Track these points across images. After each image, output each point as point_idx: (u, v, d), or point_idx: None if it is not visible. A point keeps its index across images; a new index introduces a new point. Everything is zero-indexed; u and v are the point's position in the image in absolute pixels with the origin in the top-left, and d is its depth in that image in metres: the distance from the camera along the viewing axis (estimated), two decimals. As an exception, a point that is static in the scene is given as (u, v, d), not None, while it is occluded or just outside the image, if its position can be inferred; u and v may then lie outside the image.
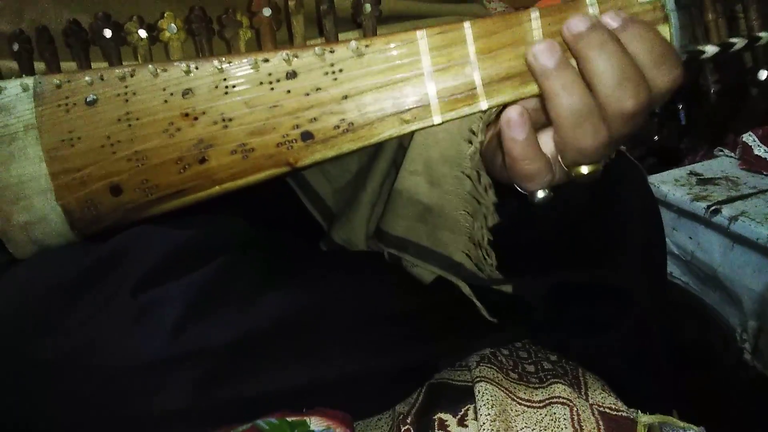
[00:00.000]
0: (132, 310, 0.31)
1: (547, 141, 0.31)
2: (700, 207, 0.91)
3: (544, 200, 0.31)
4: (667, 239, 0.97)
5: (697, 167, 1.02)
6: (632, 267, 0.45)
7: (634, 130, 0.30)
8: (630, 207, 0.46)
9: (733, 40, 0.30)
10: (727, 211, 0.88)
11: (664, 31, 0.30)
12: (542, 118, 0.31)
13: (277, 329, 0.33)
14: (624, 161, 0.46)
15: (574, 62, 0.30)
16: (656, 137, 1.06)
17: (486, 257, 0.36)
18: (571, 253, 0.44)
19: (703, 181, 0.97)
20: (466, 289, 0.37)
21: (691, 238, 0.96)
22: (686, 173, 1.00)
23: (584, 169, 0.31)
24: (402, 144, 0.38)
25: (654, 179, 0.98)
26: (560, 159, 0.31)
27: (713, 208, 0.89)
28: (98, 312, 0.31)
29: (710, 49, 0.30)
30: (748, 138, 0.99)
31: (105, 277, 0.32)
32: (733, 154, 1.03)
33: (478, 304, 0.37)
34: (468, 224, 0.35)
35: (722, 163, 1.03)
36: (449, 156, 0.35)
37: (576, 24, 0.29)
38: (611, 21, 0.29)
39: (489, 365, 0.43)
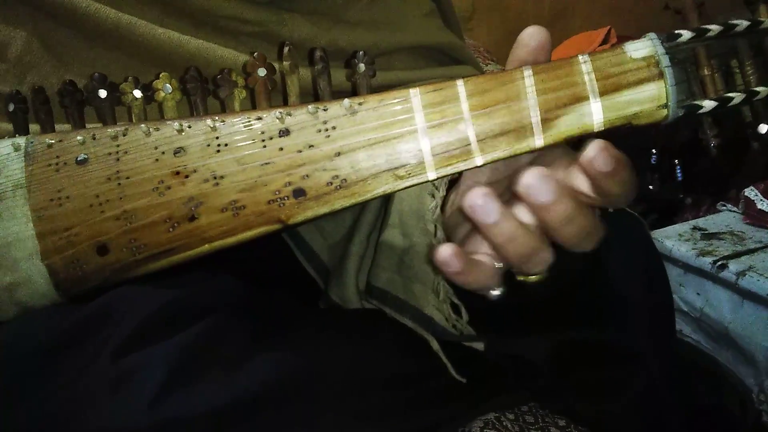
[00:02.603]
0: (112, 376, 0.30)
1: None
2: (706, 262, 0.89)
3: (499, 297, 0.32)
4: (674, 296, 0.95)
5: (701, 222, 1.02)
6: (638, 326, 0.44)
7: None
8: (632, 263, 0.45)
9: (731, 94, 0.30)
10: (734, 266, 0.87)
11: (660, 86, 0.30)
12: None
13: (265, 396, 0.31)
14: (625, 216, 0.46)
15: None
16: (651, 186, 1.07)
17: (451, 312, 0.35)
18: (572, 313, 0.43)
19: (708, 236, 0.96)
20: (434, 345, 0.36)
21: (699, 294, 0.94)
22: (690, 228, 0.99)
23: (532, 278, 0.32)
24: (388, 196, 0.38)
25: (657, 234, 0.97)
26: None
27: (720, 263, 0.88)
28: (77, 378, 0.30)
29: (708, 104, 0.30)
30: (750, 192, 0.98)
31: (85, 340, 0.31)
32: (736, 209, 1.03)
33: (445, 360, 0.36)
34: (432, 277, 0.35)
35: (726, 218, 1.02)
36: (416, 209, 0.35)
37: (538, 193, 0.28)
38: (600, 163, 0.27)
39: (493, 431, 0.41)
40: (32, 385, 0.30)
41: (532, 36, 0.31)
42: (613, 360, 0.43)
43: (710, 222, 1.01)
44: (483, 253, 0.31)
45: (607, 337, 0.43)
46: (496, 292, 0.32)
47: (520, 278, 0.32)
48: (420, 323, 0.37)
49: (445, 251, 0.29)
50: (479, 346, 0.37)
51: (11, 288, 0.34)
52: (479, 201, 0.28)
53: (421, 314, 0.36)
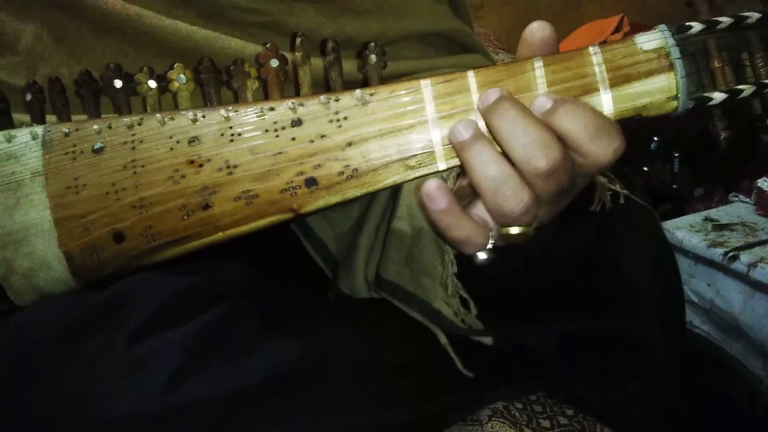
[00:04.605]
0: (127, 362, 0.30)
1: (480, 206, 0.32)
2: (717, 253, 0.89)
3: (485, 262, 0.32)
4: (685, 287, 0.94)
5: (713, 213, 1.01)
6: (648, 316, 0.44)
7: (560, 188, 0.31)
8: (642, 252, 0.45)
9: (741, 87, 0.30)
10: (745, 257, 0.86)
11: (670, 78, 0.30)
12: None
13: (277, 381, 0.32)
14: (634, 205, 0.45)
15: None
16: (645, 168, 1.05)
17: (460, 306, 0.36)
18: (581, 302, 0.43)
19: (719, 227, 0.96)
20: (442, 339, 0.36)
21: (709, 285, 0.94)
22: (701, 219, 0.99)
23: (514, 230, 0.32)
24: (396, 189, 0.38)
25: (668, 225, 0.97)
26: (492, 222, 0.32)
27: (731, 254, 0.87)
28: (92, 363, 0.31)
29: (718, 96, 0.30)
30: (763, 183, 0.97)
31: (100, 326, 0.32)
32: (748, 200, 1.02)
33: (452, 354, 0.37)
34: (441, 270, 0.35)
35: (738, 209, 1.01)
36: (424, 214, 0.35)
37: (485, 97, 0.31)
38: (544, 103, 0.30)
39: (501, 420, 0.41)
40: (49, 369, 0.31)
41: (534, 33, 0.31)
42: (622, 349, 0.44)
43: (722, 213, 1.00)
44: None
45: (616, 327, 0.43)
46: (483, 256, 0.32)
47: (504, 231, 0.32)
48: (428, 316, 0.37)
49: (431, 183, 0.30)
50: (487, 340, 0.38)
51: (29, 274, 0.34)
52: (461, 123, 0.31)
53: (430, 308, 0.37)
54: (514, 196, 0.30)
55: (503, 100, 0.30)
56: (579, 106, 0.30)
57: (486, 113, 0.31)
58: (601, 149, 0.30)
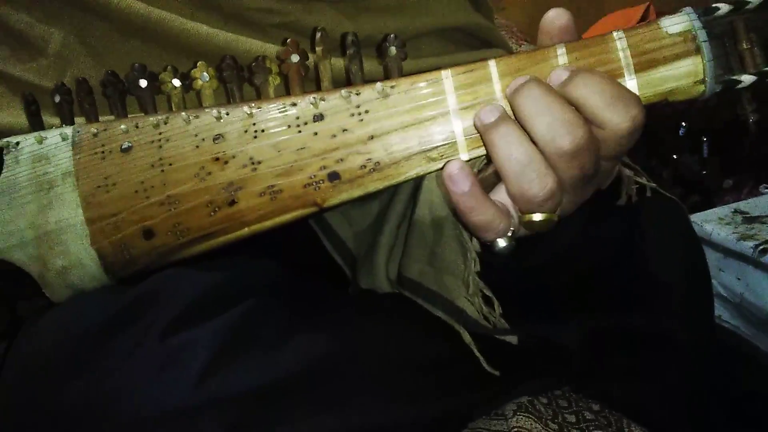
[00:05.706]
0: (160, 355, 0.31)
1: (503, 192, 0.32)
2: (747, 246, 0.87)
3: (506, 250, 0.32)
4: (713, 281, 0.93)
5: (742, 205, 0.99)
6: (676, 311, 0.43)
7: (584, 171, 0.30)
8: (670, 246, 0.44)
9: (771, 68, 0.29)
10: (776, 250, 0.84)
11: (696, 62, 0.29)
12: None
13: (305, 375, 0.32)
14: (661, 198, 0.45)
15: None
16: (675, 156, 1.03)
17: (483, 304, 0.35)
18: (608, 297, 0.42)
19: (749, 220, 0.94)
20: (466, 337, 0.36)
21: (739, 279, 0.92)
22: (731, 212, 0.97)
23: (537, 217, 0.31)
24: (416, 187, 0.38)
25: (697, 218, 0.95)
26: (514, 209, 0.32)
27: (762, 247, 0.86)
28: (127, 357, 0.31)
29: (747, 79, 0.29)
30: (795, 174, 0.95)
31: (134, 321, 0.32)
32: (779, 191, 1.00)
33: (476, 353, 0.36)
34: (463, 269, 0.35)
35: (768, 201, 0.99)
36: (446, 199, 0.35)
37: (513, 83, 0.31)
38: (561, 74, 0.30)
39: (526, 414, 0.41)
40: (84, 364, 0.32)
41: (553, 20, 0.31)
42: (650, 345, 0.43)
43: (752, 205, 0.98)
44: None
45: (643, 322, 0.43)
46: (503, 243, 0.32)
47: (527, 218, 0.31)
48: (452, 315, 0.37)
49: (453, 165, 0.30)
50: (512, 339, 0.37)
51: (63, 271, 0.35)
52: (488, 107, 0.31)
53: (454, 306, 0.37)
54: (538, 180, 0.30)
55: (528, 81, 0.30)
56: (594, 74, 0.30)
57: (511, 96, 0.31)
58: (619, 116, 0.29)
